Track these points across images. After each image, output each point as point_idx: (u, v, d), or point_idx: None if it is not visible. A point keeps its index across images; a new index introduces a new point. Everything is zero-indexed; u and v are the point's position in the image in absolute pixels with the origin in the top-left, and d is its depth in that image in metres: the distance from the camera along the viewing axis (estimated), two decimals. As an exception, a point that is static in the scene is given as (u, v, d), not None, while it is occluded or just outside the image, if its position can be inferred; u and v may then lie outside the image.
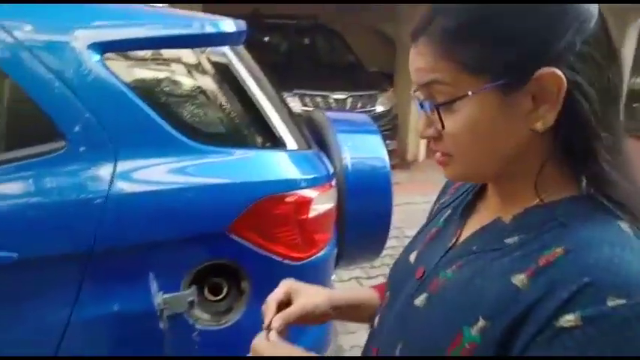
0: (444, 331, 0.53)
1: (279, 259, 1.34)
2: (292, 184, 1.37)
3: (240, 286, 1.36)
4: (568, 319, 0.43)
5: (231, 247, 1.30)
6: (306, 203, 1.38)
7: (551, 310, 0.45)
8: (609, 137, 0.50)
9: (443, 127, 0.52)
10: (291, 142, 1.48)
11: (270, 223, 1.33)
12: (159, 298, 1.18)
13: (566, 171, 0.52)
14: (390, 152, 2.74)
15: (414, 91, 0.56)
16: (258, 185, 1.33)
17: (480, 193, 0.64)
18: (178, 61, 1.40)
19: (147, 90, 1.32)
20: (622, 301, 0.42)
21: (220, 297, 1.37)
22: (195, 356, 1.33)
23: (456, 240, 0.61)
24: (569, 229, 0.49)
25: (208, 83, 1.41)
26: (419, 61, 0.53)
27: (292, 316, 0.68)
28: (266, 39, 6.75)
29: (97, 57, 1.20)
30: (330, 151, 1.76)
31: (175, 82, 1.42)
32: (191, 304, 1.27)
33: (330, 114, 2.01)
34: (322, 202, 1.46)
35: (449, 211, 0.67)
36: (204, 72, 1.41)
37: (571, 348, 0.43)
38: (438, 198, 0.76)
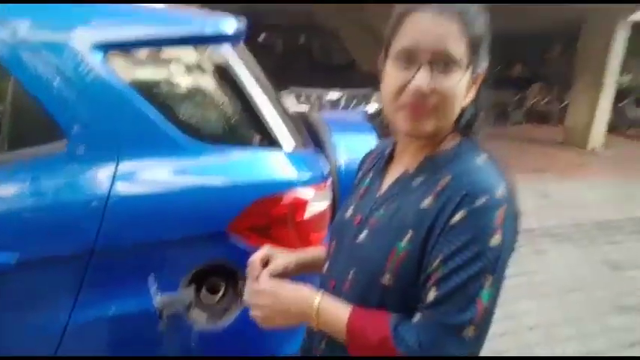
0: (382, 250, 0.79)
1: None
2: (289, 184, 1.40)
3: (237, 287, 1.38)
4: (457, 217, 0.72)
5: (229, 248, 1.32)
6: (302, 203, 1.41)
7: (447, 215, 0.73)
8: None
9: (455, 85, 0.74)
10: (287, 142, 1.50)
11: (268, 223, 1.36)
12: (158, 298, 1.20)
13: (453, 131, 0.82)
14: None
15: (407, 49, 0.74)
16: (256, 186, 1.35)
17: (388, 159, 0.92)
18: (178, 60, 1.40)
19: (147, 90, 1.32)
20: (484, 199, 0.71)
21: (217, 297, 1.40)
22: (195, 356, 1.35)
23: (380, 192, 0.88)
24: (451, 165, 0.78)
25: (208, 83, 1.43)
26: (444, 29, 0.72)
27: (274, 272, 0.92)
28: (261, 38, 6.74)
29: (100, 56, 1.21)
30: (326, 150, 1.79)
31: (175, 82, 1.43)
32: (189, 304, 1.29)
33: (325, 114, 2.03)
34: (318, 202, 1.48)
35: (371, 174, 0.95)
36: (203, 72, 1.42)
37: (459, 233, 0.72)
38: (358, 169, 1.03)
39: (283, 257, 0.97)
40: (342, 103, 5.48)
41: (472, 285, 0.71)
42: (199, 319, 1.34)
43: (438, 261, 0.73)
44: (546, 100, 10.58)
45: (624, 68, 8.47)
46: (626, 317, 3.10)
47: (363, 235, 0.84)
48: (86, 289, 1.21)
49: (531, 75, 11.87)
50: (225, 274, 1.37)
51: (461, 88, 0.75)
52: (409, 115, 0.76)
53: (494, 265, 0.71)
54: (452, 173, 0.77)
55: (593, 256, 4.07)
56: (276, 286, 0.85)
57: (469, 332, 0.72)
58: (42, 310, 1.19)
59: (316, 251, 1.05)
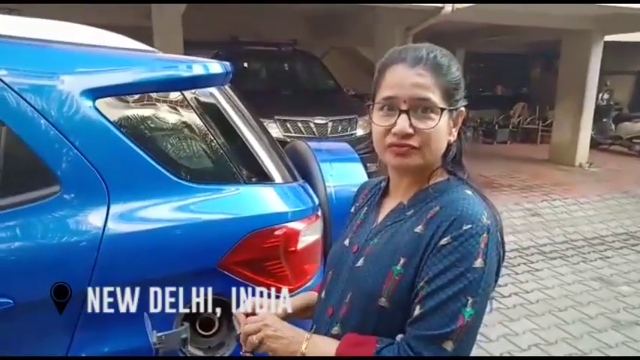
0: (379, 273, 0.84)
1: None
2: (280, 218, 1.42)
3: (231, 321, 1.38)
4: (444, 240, 0.79)
5: (222, 282, 1.32)
6: (294, 235, 1.43)
7: (437, 239, 0.80)
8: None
9: (433, 127, 0.83)
10: (277, 176, 1.52)
11: (260, 257, 1.37)
12: (154, 336, 1.20)
13: (441, 166, 0.90)
14: (371, 175, 2.80)
15: (384, 100, 0.85)
16: (247, 220, 1.37)
17: (383, 193, 1.00)
18: (167, 100, 1.44)
19: (137, 131, 1.35)
20: (469, 226, 0.78)
21: (212, 332, 1.39)
22: (195, 356, 1.33)
23: (375, 223, 0.95)
24: (440, 197, 0.85)
25: (196, 121, 1.46)
26: (419, 79, 0.83)
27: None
28: (245, 65, 6.83)
29: (89, 102, 1.24)
30: (314, 180, 1.81)
31: (164, 122, 1.46)
32: (184, 340, 1.29)
33: (312, 144, 2.06)
34: (309, 234, 1.50)
35: (365, 208, 1.02)
36: (192, 111, 1.45)
37: (445, 255, 0.78)
38: (352, 204, 1.10)
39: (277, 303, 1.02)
40: (329, 128, 5.53)
41: (453, 303, 0.76)
42: (195, 356, 1.34)
43: (424, 281, 0.79)
44: (529, 119, 10.78)
45: (602, 86, 8.72)
46: (621, 333, 3.11)
47: (360, 262, 0.90)
48: (82, 327, 1.21)
49: (514, 94, 12.13)
50: (219, 310, 1.37)
51: (440, 127, 0.84)
52: (395, 152, 0.85)
53: (475, 286, 0.77)
54: (441, 203, 0.84)
55: (586, 272, 4.10)
56: (272, 317, 0.92)
57: (448, 345, 0.76)
58: (39, 351, 1.18)
59: (312, 296, 1.09)
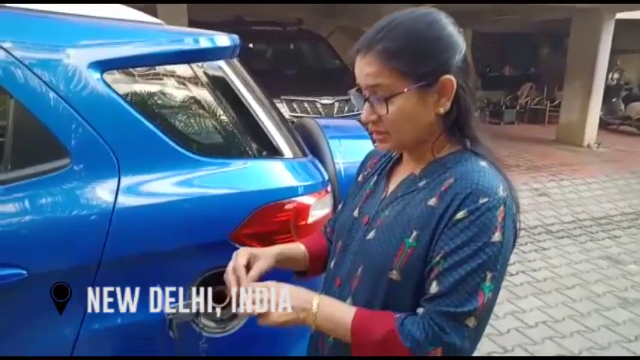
0: (390, 246, 0.83)
1: (280, 265, 1.37)
2: (291, 192, 1.41)
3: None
4: (460, 214, 0.77)
5: (234, 255, 1.33)
6: (304, 210, 1.42)
7: (452, 213, 0.77)
8: (474, 116, 0.86)
9: (387, 112, 0.81)
10: (287, 151, 1.51)
11: (271, 231, 1.37)
12: (166, 307, 1.20)
13: (450, 137, 0.86)
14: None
15: (356, 90, 0.86)
16: (258, 194, 1.37)
17: (396, 162, 0.97)
18: (175, 74, 1.42)
19: (146, 104, 1.34)
20: (486, 199, 0.76)
21: (224, 304, 1.40)
22: (194, 356, 1.34)
23: (386, 194, 0.93)
24: (454, 168, 0.83)
25: (205, 95, 1.44)
26: (368, 68, 0.81)
27: (260, 274, 0.92)
28: (250, 45, 6.77)
29: (97, 75, 1.23)
30: (322, 156, 1.80)
31: (173, 96, 1.45)
32: (197, 312, 1.29)
33: (320, 120, 2.05)
34: (320, 208, 1.50)
35: (375, 177, 1.00)
36: (200, 84, 1.44)
37: (461, 229, 0.76)
38: (359, 172, 1.08)
39: (264, 259, 0.95)
40: (336, 108, 5.50)
41: (473, 278, 0.75)
42: (207, 327, 1.35)
43: (439, 256, 0.77)
44: (536, 100, 10.66)
45: (612, 66, 8.58)
46: (629, 311, 3.12)
47: (371, 234, 0.88)
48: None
49: (522, 75, 11.98)
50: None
51: (403, 109, 0.81)
52: (374, 139, 0.88)
53: (494, 261, 0.76)
54: (455, 175, 0.81)
55: (594, 251, 4.10)
56: (279, 284, 0.85)
57: (470, 322, 0.75)
58: (53, 323, 1.19)
59: (294, 247, 1.08)
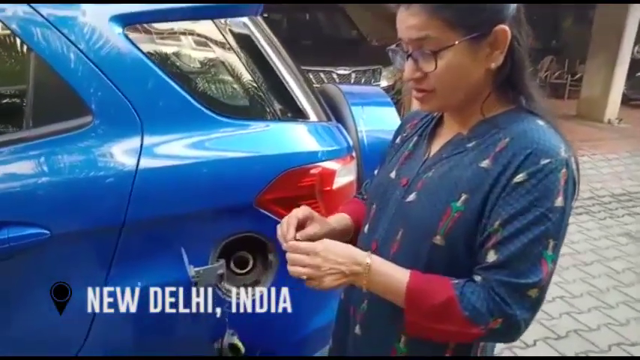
0: (435, 210, 0.77)
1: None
2: (316, 157, 1.37)
3: (266, 259, 1.37)
4: (519, 177, 0.71)
5: (257, 220, 1.30)
6: (329, 175, 1.39)
7: (509, 175, 0.72)
8: (528, 71, 0.78)
9: (436, 67, 0.73)
10: (312, 114, 1.47)
11: (296, 195, 1.33)
12: (191, 270, 1.19)
13: (502, 95, 0.79)
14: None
15: (396, 45, 0.79)
16: (284, 157, 1.33)
17: (438, 123, 0.90)
18: (198, 32, 1.37)
19: (169, 63, 1.30)
20: (548, 160, 0.70)
21: (246, 270, 1.39)
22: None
23: (428, 155, 0.87)
24: (509, 127, 0.76)
25: (230, 55, 1.40)
26: (413, 20, 0.73)
27: (312, 237, 0.87)
28: (265, 15, 6.64)
29: (118, 29, 1.18)
30: (345, 123, 1.75)
31: (195, 53, 1.41)
32: (221, 276, 1.28)
33: (343, 87, 1.99)
34: (344, 175, 1.46)
35: (415, 139, 0.93)
36: (225, 44, 1.39)
37: (522, 193, 0.71)
38: (397, 134, 1.02)
39: (322, 225, 0.92)
40: (352, 79, 5.41)
41: (536, 247, 0.70)
42: (229, 292, 1.34)
43: (498, 222, 0.72)
44: (557, 73, 10.39)
45: (639, 39, 8.28)
46: (648, 288, 3.07)
47: (412, 196, 0.83)
48: (118, 263, 1.20)
49: (543, 48, 11.65)
50: (253, 248, 1.36)
51: (452, 64, 0.74)
52: (415, 97, 0.81)
53: (557, 227, 0.71)
54: (511, 134, 0.75)
55: (613, 228, 4.03)
56: (327, 244, 0.81)
57: (533, 294, 0.71)
58: (75, 284, 1.18)
59: (341, 219, 1.02)
